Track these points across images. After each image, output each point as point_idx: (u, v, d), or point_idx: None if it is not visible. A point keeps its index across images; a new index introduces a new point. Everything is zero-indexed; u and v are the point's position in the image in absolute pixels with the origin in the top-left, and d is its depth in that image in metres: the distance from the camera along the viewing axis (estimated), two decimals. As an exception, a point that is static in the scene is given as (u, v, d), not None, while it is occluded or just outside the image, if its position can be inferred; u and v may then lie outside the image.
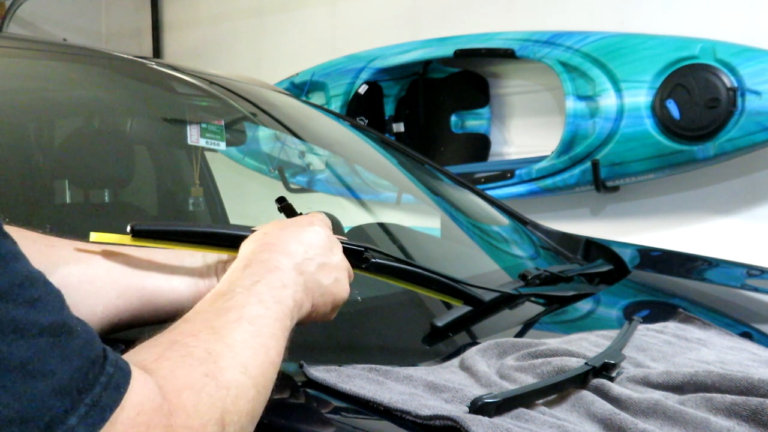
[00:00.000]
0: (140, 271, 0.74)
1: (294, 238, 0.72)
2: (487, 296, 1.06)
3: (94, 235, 0.72)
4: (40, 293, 0.44)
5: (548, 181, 3.18)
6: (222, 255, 0.80)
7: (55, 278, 0.50)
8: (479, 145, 3.69)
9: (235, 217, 2.10)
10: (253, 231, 0.75)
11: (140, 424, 0.46)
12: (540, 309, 1.21)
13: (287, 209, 0.80)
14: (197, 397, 0.51)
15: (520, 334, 1.08)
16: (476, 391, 0.77)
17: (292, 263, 0.69)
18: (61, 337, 0.43)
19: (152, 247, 0.75)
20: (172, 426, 0.48)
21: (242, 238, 0.75)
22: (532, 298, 1.22)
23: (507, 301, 1.14)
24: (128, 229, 0.72)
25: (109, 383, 0.45)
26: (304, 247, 0.71)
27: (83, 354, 0.44)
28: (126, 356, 0.50)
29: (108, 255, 0.74)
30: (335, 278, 0.73)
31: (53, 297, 0.45)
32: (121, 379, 0.46)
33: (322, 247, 0.73)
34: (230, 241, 0.77)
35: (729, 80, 2.77)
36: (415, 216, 1.95)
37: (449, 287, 0.96)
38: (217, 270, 0.81)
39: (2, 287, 0.42)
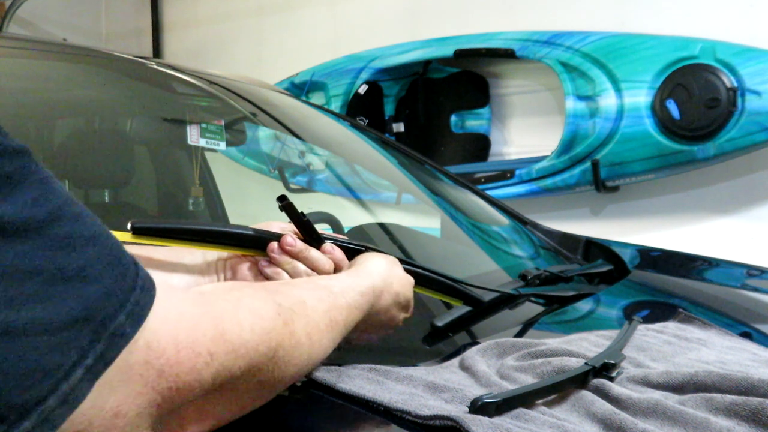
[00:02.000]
0: None
1: (398, 301, 0.84)
2: (487, 296, 1.06)
3: None
4: (80, 208, 0.50)
5: (548, 181, 3.18)
6: (222, 253, 0.81)
7: None
8: (479, 145, 3.69)
9: (235, 217, 2.11)
10: (260, 233, 0.80)
11: (187, 320, 0.52)
12: (540, 309, 1.21)
13: (288, 208, 0.80)
14: (254, 321, 0.58)
15: (520, 334, 1.08)
16: (476, 391, 0.77)
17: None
18: (102, 245, 0.49)
19: (152, 245, 0.75)
20: (221, 327, 0.54)
21: (242, 236, 0.77)
22: (532, 298, 1.22)
23: (507, 301, 1.14)
24: (128, 226, 0.73)
25: (144, 286, 0.50)
26: (399, 305, 0.85)
27: (120, 260, 0.50)
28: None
29: None
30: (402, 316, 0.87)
31: (87, 210, 0.50)
32: (151, 284, 0.51)
33: (404, 309, 0.87)
34: (230, 239, 0.77)
35: (729, 80, 2.77)
36: (415, 216, 1.95)
37: (448, 287, 0.97)
38: (217, 268, 0.82)
39: (53, 207, 0.47)
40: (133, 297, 0.48)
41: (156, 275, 0.75)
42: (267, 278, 0.82)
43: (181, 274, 0.78)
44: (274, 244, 0.81)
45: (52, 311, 0.44)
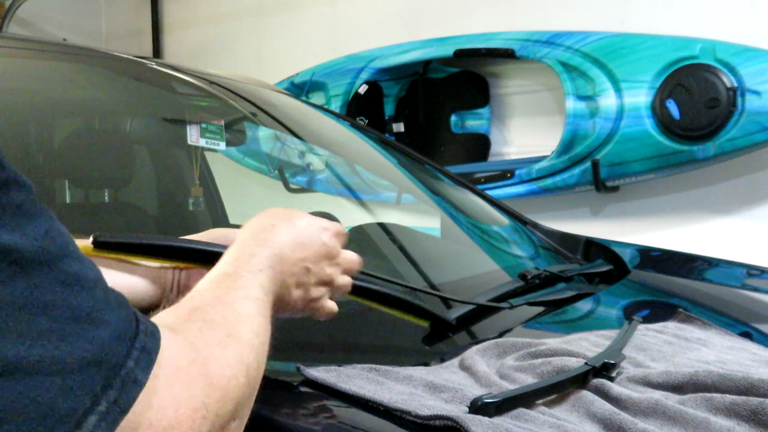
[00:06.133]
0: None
1: (298, 243, 0.73)
2: (460, 312, 1.02)
3: None
4: (80, 251, 0.48)
5: (548, 181, 3.18)
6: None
7: None
8: (479, 145, 3.69)
9: (236, 217, 2.10)
10: (216, 247, 0.76)
11: (182, 374, 0.49)
12: (540, 309, 1.21)
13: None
14: (225, 352, 0.55)
15: (520, 335, 1.08)
16: (476, 391, 0.77)
17: (288, 271, 0.71)
18: (106, 290, 0.48)
19: (113, 259, 0.75)
20: (209, 375, 0.51)
21: (204, 252, 0.76)
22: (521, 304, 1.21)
23: (487, 313, 1.11)
24: (90, 240, 0.72)
25: (147, 331, 0.48)
26: (304, 255, 0.73)
27: (124, 305, 0.48)
28: (152, 320, 0.53)
29: None
30: (322, 293, 0.75)
31: (85, 255, 0.49)
32: (155, 329, 0.50)
33: (327, 257, 0.75)
34: (189, 254, 0.77)
35: (729, 80, 2.77)
36: (415, 216, 1.95)
37: (415, 307, 0.93)
38: (174, 277, 0.81)
39: (62, 243, 0.45)
40: (138, 342, 0.47)
41: (115, 277, 0.75)
42: None
43: (138, 279, 0.77)
44: None
45: (65, 351, 0.42)
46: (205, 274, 0.82)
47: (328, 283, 0.75)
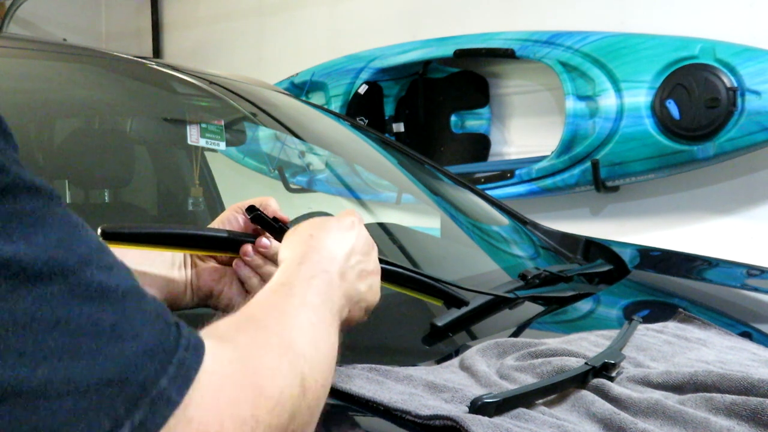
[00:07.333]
0: None
1: (338, 244, 0.72)
2: (477, 298, 1.04)
3: None
4: (113, 259, 0.44)
5: (548, 181, 3.18)
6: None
7: None
8: (479, 145, 3.69)
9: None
10: (222, 233, 0.76)
11: (228, 385, 0.46)
12: (540, 309, 1.21)
13: (258, 219, 0.78)
14: (279, 361, 0.52)
15: (520, 334, 1.08)
16: (476, 391, 0.77)
17: (338, 270, 0.69)
18: (139, 300, 0.44)
19: (123, 249, 0.74)
20: (259, 385, 0.48)
21: (212, 239, 0.75)
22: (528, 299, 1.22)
23: (502, 304, 1.13)
24: (99, 231, 0.71)
25: (189, 345, 0.45)
26: (347, 254, 0.71)
27: (161, 316, 0.45)
28: (203, 331, 0.51)
29: None
30: (370, 284, 0.74)
31: (121, 263, 0.45)
32: (198, 342, 0.46)
33: (363, 253, 0.74)
34: (203, 242, 0.77)
35: (729, 80, 2.77)
36: (415, 216, 1.95)
37: (428, 286, 0.93)
38: (184, 263, 0.81)
39: (85, 253, 0.42)
40: (176, 358, 0.43)
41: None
42: (241, 280, 0.81)
43: (152, 276, 0.77)
44: (248, 247, 0.79)
45: (79, 370, 0.38)
46: (215, 267, 0.82)
47: (372, 273, 0.75)
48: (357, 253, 0.73)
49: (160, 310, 0.45)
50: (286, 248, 0.71)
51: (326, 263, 0.68)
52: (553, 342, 0.96)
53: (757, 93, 2.72)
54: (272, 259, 0.79)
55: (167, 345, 0.43)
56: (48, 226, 0.41)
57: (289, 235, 0.74)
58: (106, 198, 1.74)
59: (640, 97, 2.92)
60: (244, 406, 0.46)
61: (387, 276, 0.84)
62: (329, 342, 0.61)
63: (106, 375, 0.39)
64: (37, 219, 0.41)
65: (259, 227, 0.80)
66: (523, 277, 1.24)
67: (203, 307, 0.83)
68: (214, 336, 0.49)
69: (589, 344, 0.96)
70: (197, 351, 0.45)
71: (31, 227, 0.40)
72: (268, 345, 0.53)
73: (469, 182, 2.01)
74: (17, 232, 0.39)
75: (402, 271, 0.88)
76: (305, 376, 0.53)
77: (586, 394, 0.78)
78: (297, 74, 4.01)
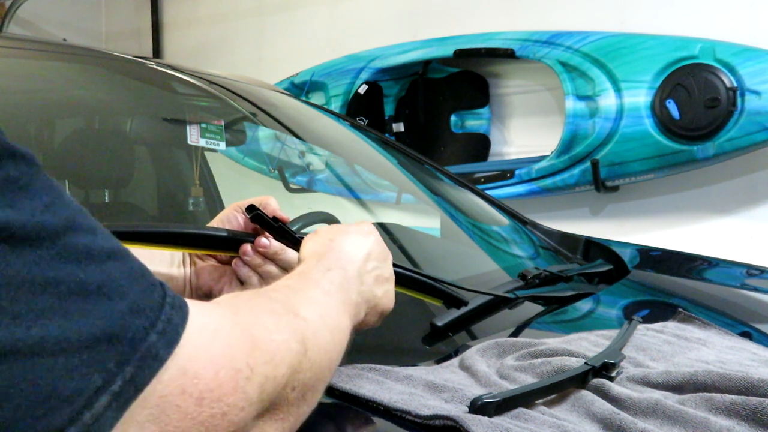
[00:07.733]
0: None
1: (357, 247, 0.74)
2: (477, 298, 1.04)
3: None
4: (95, 222, 0.46)
5: (548, 181, 3.18)
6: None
7: None
8: (479, 145, 3.69)
9: (235, 217, 2.10)
10: (220, 232, 0.77)
11: (222, 337, 0.47)
12: (540, 309, 1.21)
13: (258, 219, 0.78)
14: (276, 318, 0.53)
15: (519, 334, 1.08)
16: (476, 390, 0.77)
17: (356, 270, 0.71)
18: (123, 260, 0.45)
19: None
20: (254, 337, 0.49)
21: (212, 238, 0.76)
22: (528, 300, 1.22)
23: (501, 304, 1.13)
24: None
25: (174, 303, 0.46)
26: (365, 257, 0.73)
27: (146, 276, 0.46)
28: (208, 303, 0.52)
29: None
30: (386, 290, 0.76)
31: (102, 226, 0.47)
32: (183, 302, 0.47)
33: (380, 260, 0.76)
34: (200, 241, 0.77)
35: (729, 80, 2.77)
36: (415, 216, 1.95)
37: (428, 286, 0.94)
38: (185, 263, 0.82)
39: (68, 216, 0.43)
40: (163, 314, 0.44)
41: None
42: (240, 279, 0.81)
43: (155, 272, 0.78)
44: (247, 247, 0.79)
45: (70, 329, 0.40)
46: (214, 266, 0.82)
47: (388, 279, 0.77)
48: (374, 259, 0.75)
49: (145, 270, 0.46)
50: (304, 250, 0.73)
51: (344, 262, 0.70)
52: (553, 342, 0.95)
53: (756, 93, 2.72)
54: (272, 259, 0.80)
55: (154, 303, 0.44)
56: (33, 191, 0.42)
57: (308, 240, 0.75)
58: (106, 198, 1.74)
59: (639, 97, 2.92)
60: (238, 355, 0.47)
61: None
62: (337, 320, 0.62)
63: (96, 333, 0.40)
64: (23, 185, 0.42)
65: (259, 227, 0.80)
66: (522, 277, 1.24)
67: None
68: (214, 303, 0.52)
69: (589, 344, 0.96)
70: (182, 309, 0.46)
71: (18, 193, 0.41)
72: (268, 308, 0.55)
73: (469, 182, 2.01)
74: (5, 197, 0.40)
75: (402, 270, 0.88)
76: (306, 336, 0.54)
77: (586, 394, 0.78)
78: (297, 74, 4.01)
